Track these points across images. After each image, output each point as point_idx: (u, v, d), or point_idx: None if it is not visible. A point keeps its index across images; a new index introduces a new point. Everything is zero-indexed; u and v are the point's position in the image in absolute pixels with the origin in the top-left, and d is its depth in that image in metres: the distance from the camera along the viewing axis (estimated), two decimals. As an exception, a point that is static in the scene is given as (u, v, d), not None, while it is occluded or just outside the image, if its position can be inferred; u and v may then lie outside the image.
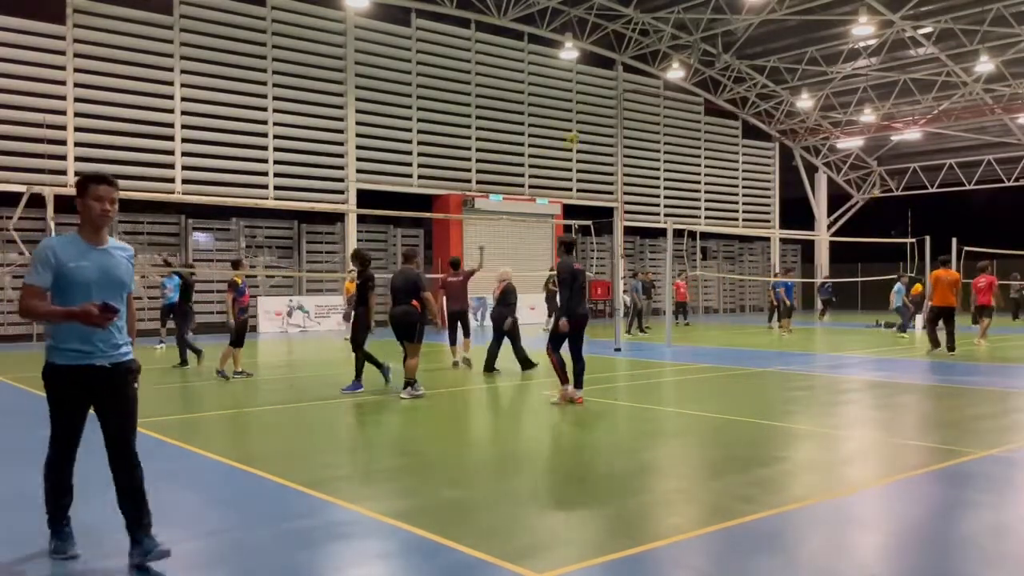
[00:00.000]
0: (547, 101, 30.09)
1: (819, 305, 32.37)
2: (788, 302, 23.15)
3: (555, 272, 14.08)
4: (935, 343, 15.58)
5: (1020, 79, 30.64)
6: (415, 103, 26.89)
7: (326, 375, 12.83)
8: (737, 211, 36.81)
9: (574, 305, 9.49)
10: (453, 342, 14.29)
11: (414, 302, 10.41)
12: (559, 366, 9.61)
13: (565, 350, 9.61)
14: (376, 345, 13.88)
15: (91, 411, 4.28)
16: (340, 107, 25.42)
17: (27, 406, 10.11)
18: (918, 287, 24.50)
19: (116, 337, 4.17)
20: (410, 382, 10.17)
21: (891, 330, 22.33)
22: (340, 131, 25.44)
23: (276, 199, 23.94)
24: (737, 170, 36.73)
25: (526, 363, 12.91)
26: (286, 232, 25.82)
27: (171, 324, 17.39)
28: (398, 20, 26.70)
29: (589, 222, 27.60)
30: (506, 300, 13.14)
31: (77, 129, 21.36)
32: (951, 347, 15.30)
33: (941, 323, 15.61)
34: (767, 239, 38.46)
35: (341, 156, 25.50)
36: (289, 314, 23.70)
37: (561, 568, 4.15)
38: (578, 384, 9.65)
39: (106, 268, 4.18)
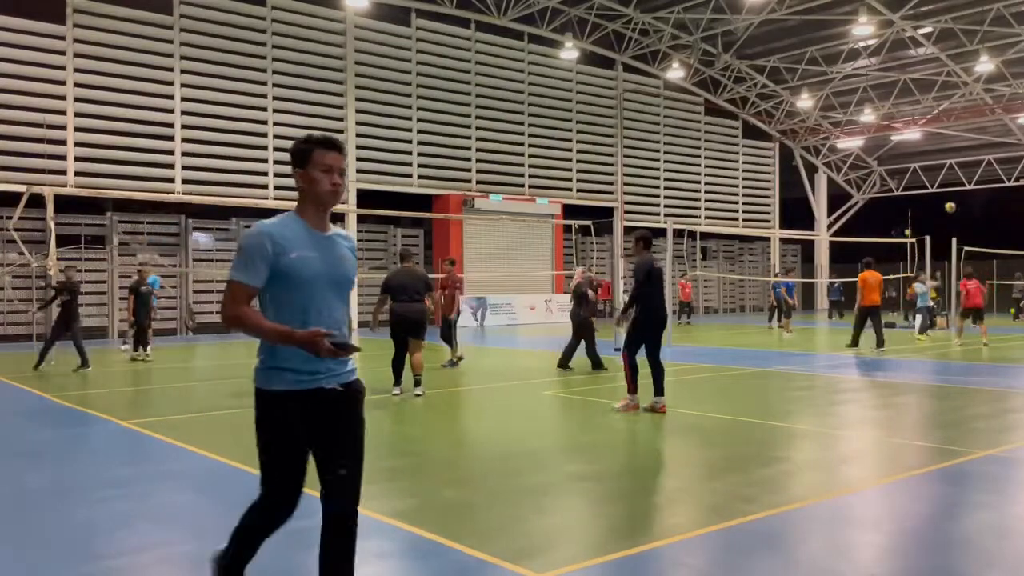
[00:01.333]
0: (547, 101, 30.09)
1: (825, 304, 32.39)
2: (790, 301, 23.17)
3: (591, 275, 13.96)
4: (856, 342, 16.41)
5: (1020, 79, 30.65)
6: (415, 103, 26.89)
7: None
8: (737, 211, 36.81)
9: (656, 305, 8.99)
10: (451, 340, 14.32)
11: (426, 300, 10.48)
12: (631, 372, 8.96)
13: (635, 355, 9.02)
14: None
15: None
16: (340, 107, 25.43)
17: (28, 406, 10.12)
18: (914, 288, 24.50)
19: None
20: (420, 377, 10.35)
21: (912, 331, 22.06)
22: (340, 131, 25.43)
23: (276, 199, 23.94)
24: (737, 170, 36.74)
25: (598, 363, 12.92)
26: (286, 232, 25.78)
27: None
28: (398, 20, 26.71)
29: (589, 222, 27.66)
30: (581, 298, 13.15)
31: (77, 129, 21.36)
32: (881, 343, 16.18)
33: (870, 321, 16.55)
34: (767, 239, 38.46)
35: (341, 156, 25.47)
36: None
37: (561, 568, 4.15)
38: (660, 391, 8.94)
39: (333, 261, 3.22)
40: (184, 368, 14.02)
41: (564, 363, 12.99)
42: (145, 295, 15.24)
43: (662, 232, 21.33)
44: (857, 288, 16.69)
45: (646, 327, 9.00)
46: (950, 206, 24.87)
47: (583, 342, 13.05)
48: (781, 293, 23.49)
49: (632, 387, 8.99)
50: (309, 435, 3.20)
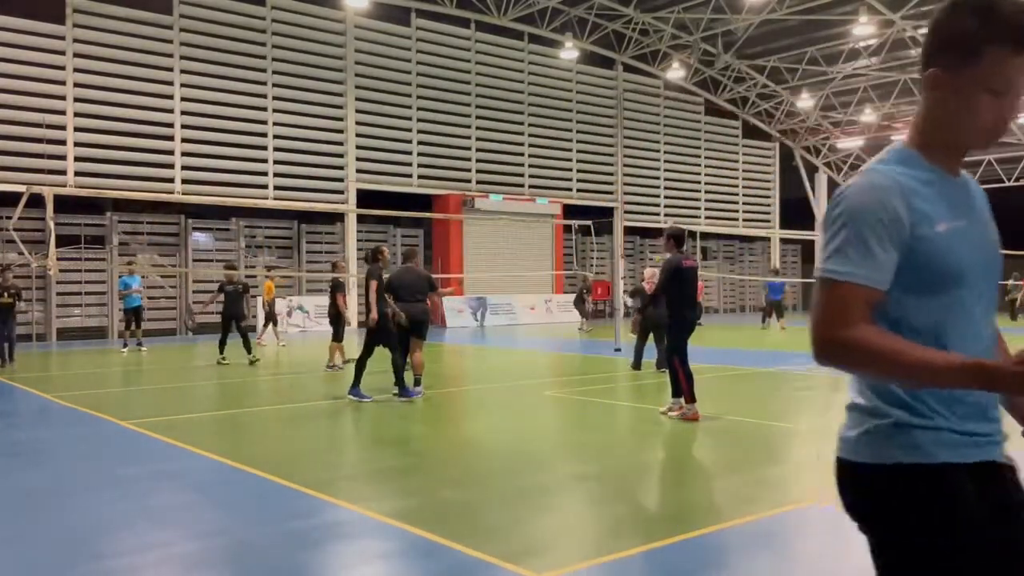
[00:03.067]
0: (547, 101, 30.08)
1: None
2: (770, 301, 23.68)
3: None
4: None
5: (1020, 79, 30.64)
6: (415, 103, 26.88)
7: (326, 375, 12.82)
8: (737, 211, 36.81)
9: (685, 308, 8.67)
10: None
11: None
12: (687, 380, 8.41)
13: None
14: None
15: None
16: (340, 107, 25.42)
17: (28, 406, 10.12)
18: None
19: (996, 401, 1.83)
20: (420, 377, 10.32)
21: None
22: (340, 131, 25.44)
23: (276, 199, 23.93)
24: (737, 170, 36.74)
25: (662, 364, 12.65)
26: (286, 232, 25.81)
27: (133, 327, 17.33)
28: (398, 20, 26.70)
29: (589, 222, 27.66)
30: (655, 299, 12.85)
31: (77, 129, 21.34)
32: None
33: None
34: (767, 239, 38.46)
35: (341, 156, 25.49)
36: (289, 314, 23.68)
37: (561, 568, 4.15)
38: (677, 393, 8.53)
39: (985, 233, 1.91)
40: (184, 368, 14.01)
41: (636, 364, 12.60)
42: (234, 294, 14.66)
43: (662, 232, 21.33)
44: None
45: (685, 329, 8.71)
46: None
47: (641, 341, 12.66)
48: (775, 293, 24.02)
49: (689, 396, 8.36)
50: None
